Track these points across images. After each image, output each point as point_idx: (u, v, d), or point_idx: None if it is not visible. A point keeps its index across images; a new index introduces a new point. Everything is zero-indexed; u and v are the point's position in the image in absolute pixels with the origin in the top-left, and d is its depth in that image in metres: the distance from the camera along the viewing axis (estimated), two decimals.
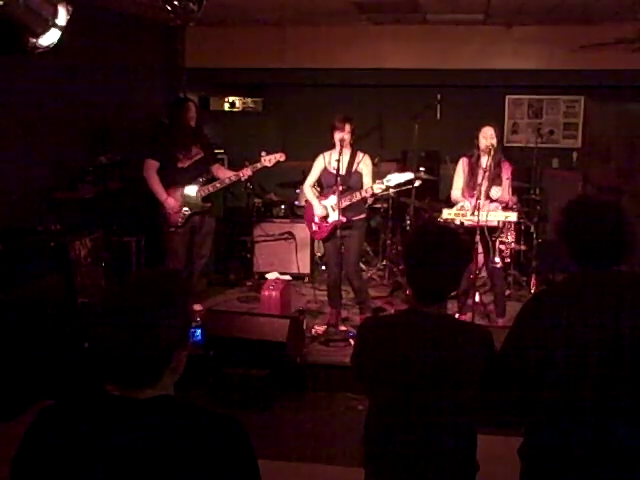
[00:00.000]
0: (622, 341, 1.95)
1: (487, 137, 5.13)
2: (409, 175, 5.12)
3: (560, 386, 2.01)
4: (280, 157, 5.50)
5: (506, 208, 5.23)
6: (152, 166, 5.39)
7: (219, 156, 6.59)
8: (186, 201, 5.44)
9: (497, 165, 5.18)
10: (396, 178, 5.01)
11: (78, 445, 1.37)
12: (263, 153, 5.53)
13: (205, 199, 5.53)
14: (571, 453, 2.00)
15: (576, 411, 1.99)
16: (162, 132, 5.69)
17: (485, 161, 5.17)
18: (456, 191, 5.37)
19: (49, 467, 1.38)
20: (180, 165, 5.44)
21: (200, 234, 5.65)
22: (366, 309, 5.43)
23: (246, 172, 5.51)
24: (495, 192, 5.13)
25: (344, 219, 5.07)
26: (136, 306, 1.40)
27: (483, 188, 5.08)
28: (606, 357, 1.95)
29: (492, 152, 5.09)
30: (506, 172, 5.24)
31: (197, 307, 5.71)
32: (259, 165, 5.49)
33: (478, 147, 5.18)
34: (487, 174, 5.08)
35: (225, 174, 5.65)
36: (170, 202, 5.37)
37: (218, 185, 5.56)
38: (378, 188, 5.02)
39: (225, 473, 1.39)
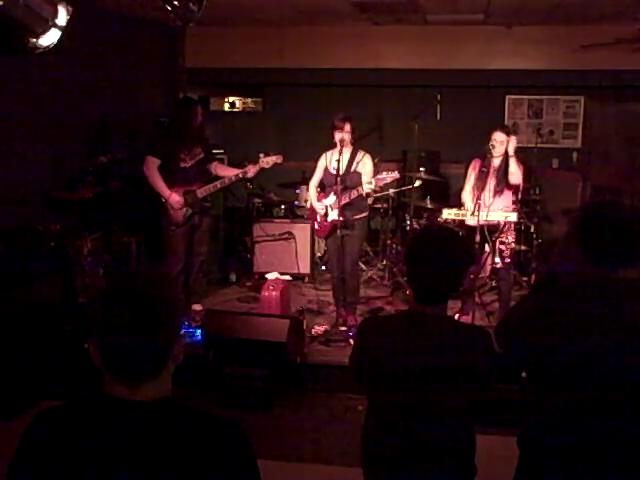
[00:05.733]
0: (625, 345, 1.96)
1: (497, 143, 5.13)
2: (394, 175, 5.10)
3: (561, 385, 2.02)
4: (278, 159, 5.50)
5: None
6: (153, 163, 5.36)
7: (219, 156, 6.58)
8: (189, 202, 5.45)
9: (507, 166, 5.19)
10: (382, 179, 5.02)
11: (76, 449, 1.36)
12: (261, 155, 5.54)
13: (204, 199, 5.55)
14: (569, 446, 2.02)
15: (576, 411, 2.00)
16: (164, 130, 5.66)
17: (497, 163, 5.20)
18: (465, 193, 5.40)
19: (46, 471, 1.37)
20: (183, 165, 5.43)
21: (198, 233, 5.66)
22: (353, 309, 5.44)
23: (252, 170, 5.49)
24: (497, 204, 5.14)
25: (341, 218, 5.08)
26: (144, 292, 1.40)
27: (491, 186, 5.13)
28: (610, 359, 1.96)
29: (502, 157, 5.15)
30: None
31: (197, 307, 5.72)
32: (257, 166, 5.49)
33: (490, 151, 5.16)
34: (496, 175, 5.16)
35: (228, 172, 5.64)
36: (174, 198, 5.35)
37: (219, 185, 5.54)
38: (368, 188, 5.03)
39: (226, 476, 1.38)
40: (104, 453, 1.35)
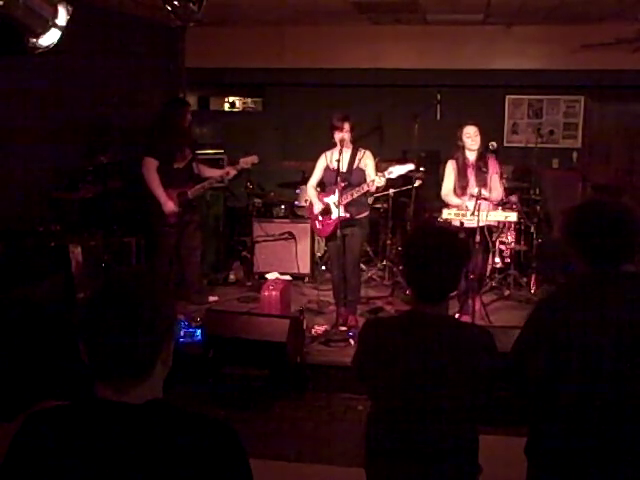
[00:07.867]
0: (636, 342, 1.96)
1: (471, 136, 5.14)
2: (410, 166, 5.09)
3: (573, 389, 2.01)
4: (254, 159, 5.80)
5: (505, 207, 5.22)
6: (152, 165, 5.44)
7: (219, 156, 6.62)
8: (182, 203, 5.53)
9: (484, 162, 5.19)
10: (397, 170, 4.99)
11: (64, 451, 1.35)
12: (241, 158, 5.84)
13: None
14: (581, 454, 2.01)
15: (588, 414, 2.00)
16: (161, 131, 5.70)
17: (471, 159, 5.20)
18: (446, 192, 5.37)
19: (35, 473, 1.36)
20: (176, 166, 5.51)
21: (188, 231, 5.79)
22: (354, 309, 5.44)
23: (232, 171, 5.77)
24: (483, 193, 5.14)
25: (347, 215, 5.08)
26: (130, 293, 1.40)
27: (473, 182, 5.14)
28: (620, 359, 1.96)
29: (477, 150, 5.16)
30: (493, 167, 5.24)
31: (213, 298, 5.97)
32: (238, 167, 5.75)
33: (463, 147, 5.17)
34: (475, 171, 5.16)
35: (212, 173, 5.86)
36: (170, 206, 5.47)
37: (207, 185, 5.76)
38: (380, 180, 5.00)
39: (216, 478, 1.37)
40: (92, 455, 1.34)
